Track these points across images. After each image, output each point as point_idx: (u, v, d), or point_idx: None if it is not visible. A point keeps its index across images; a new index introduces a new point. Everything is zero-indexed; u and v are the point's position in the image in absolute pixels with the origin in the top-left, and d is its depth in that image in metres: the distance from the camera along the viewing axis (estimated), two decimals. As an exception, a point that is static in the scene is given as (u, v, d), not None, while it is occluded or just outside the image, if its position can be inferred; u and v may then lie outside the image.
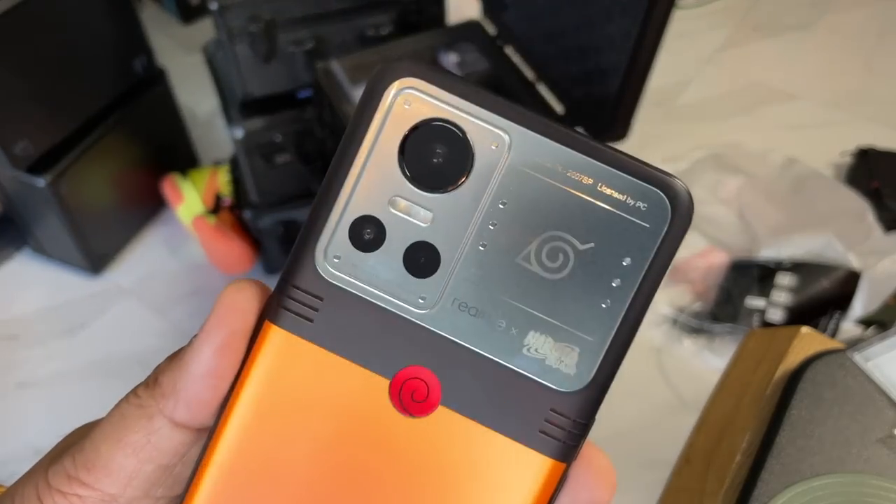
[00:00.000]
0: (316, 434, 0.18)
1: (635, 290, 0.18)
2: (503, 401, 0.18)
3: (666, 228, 0.18)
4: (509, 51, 0.95)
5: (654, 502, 0.47)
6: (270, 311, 0.18)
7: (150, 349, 1.13)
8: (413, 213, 0.18)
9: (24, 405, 1.08)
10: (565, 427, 0.18)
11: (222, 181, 1.19)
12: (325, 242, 0.18)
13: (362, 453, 0.18)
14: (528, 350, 0.18)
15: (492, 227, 0.18)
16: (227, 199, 1.18)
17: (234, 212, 1.17)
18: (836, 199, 1.19)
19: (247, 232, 1.17)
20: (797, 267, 1.09)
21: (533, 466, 0.18)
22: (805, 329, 0.46)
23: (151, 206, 1.27)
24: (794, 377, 0.43)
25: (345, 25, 1.00)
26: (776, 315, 1.07)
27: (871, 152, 1.29)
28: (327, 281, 0.18)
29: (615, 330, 0.18)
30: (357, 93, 0.92)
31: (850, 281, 1.05)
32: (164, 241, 1.27)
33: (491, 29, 0.99)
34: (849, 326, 1.04)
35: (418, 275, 0.18)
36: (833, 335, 1.02)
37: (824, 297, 1.05)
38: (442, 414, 0.18)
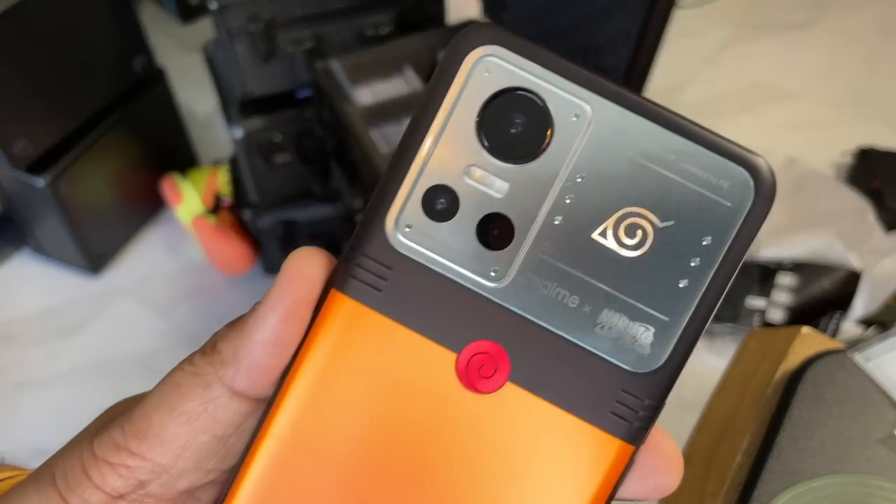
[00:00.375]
0: (378, 406, 0.18)
1: (714, 270, 0.17)
2: (573, 380, 0.18)
3: (748, 208, 0.17)
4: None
5: (655, 502, 0.47)
6: (337, 279, 0.18)
7: (149, 349, 1.13)
8: (488, 183, 0.17)
9: (23, 405, 1.08)
10: (636, 409, 0.18)
11: (222, 181, 1.19)
12: (397, 211, 0.18)
13: (426, 428, 0.18)
14: (602, 328, 0.18)
15: (568, 201, 0.17)
16: (227, 199, 1.18)
17: (234, 212, 1.17)
18: (837, 199, 1.19)
19: (246, 232, 1.16)
20: (798, 267, 1.09)
21: (602, 447, 0.18)
22: (805, 329, 0.46)
23: (151, 205, 1.27)
24: (795, 377, 0.43)
25: (345, 25, 0.99)
26: (777, 315, 1.07)
27: (871, 152, 1.29)
28: (397, 251, 0.18)
29: (692, 311, 0.17)
30: (357, 93, 0.92)
31: (851, 281, 1.05)
32: (163, 241, 1.27)
33: (491, 28, 0.98)
34: (849, 326, 1.04)
35: (491, 247, 0.18)
36: (833, 335, 1.02)
37: (825, 297, 1.05)
38: (509, 391, 0.18)
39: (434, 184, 0.17)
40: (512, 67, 0.17)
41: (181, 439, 0.18)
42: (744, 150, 0.17)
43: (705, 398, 0.48)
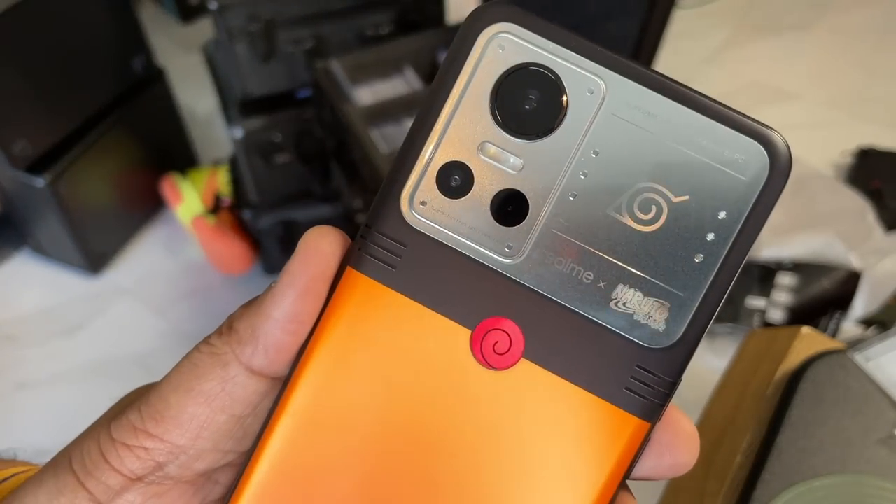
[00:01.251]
0: (394, 383, 0.18)
1: (730, 244, 0.17)
2: (588, 356, 0.18)
3: (764, 182, 0.17)
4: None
5: (655, 502, 0.47)
6: (352, 257, 0.18)
7: (149, 349, 1.13)
8: (503, 159, 0.17)
9: (23, 405, 1.08)
10: (652, 385, 0.18)
11: (222, 181, 1.19)
12: (412, 188, 0.18)
13: (441, 404, 0.18)
14: (617, 304, 0.17)
15: (583, 177, 0.17)
16: (227, 199, 1.18)
17: (234, 212, 1.17)
18: (837, 199, 1.19)
19: (246, 232, 1.16)
20: (798, 267, 1.09)
21: (617, 424, 0.18)
22: (806, 329, 0.46)
23: (151, 205, 1.27)
24: (795, 377, 0.43)
25: (344, 25, 0.99)
26: (777, 315, 1.07)
27: (871, 152, 1.29)
28: (412, 227, 0.18)
29: (708, 285, 0.17)
30: (357, 93, 0.92)
31: (851, 281, 1.05)
32: (163, 241, 1.27)
33: (491, 28, 0.98)
34: (849, 326, 1.04)
35: (505, 223, 0.18)
36: (834, 335, 1.02)
37: (825, 297, 1.05)
38: (524, 367, 0.18)
39: (448, 160, 0.18)
40: (526, 44, 0.17)
41: (199, 420, 0.18)
42: (759, 124, 0.17)
43: (705, 398, 0.48)
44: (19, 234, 1.21)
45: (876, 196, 1.19)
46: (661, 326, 0.17)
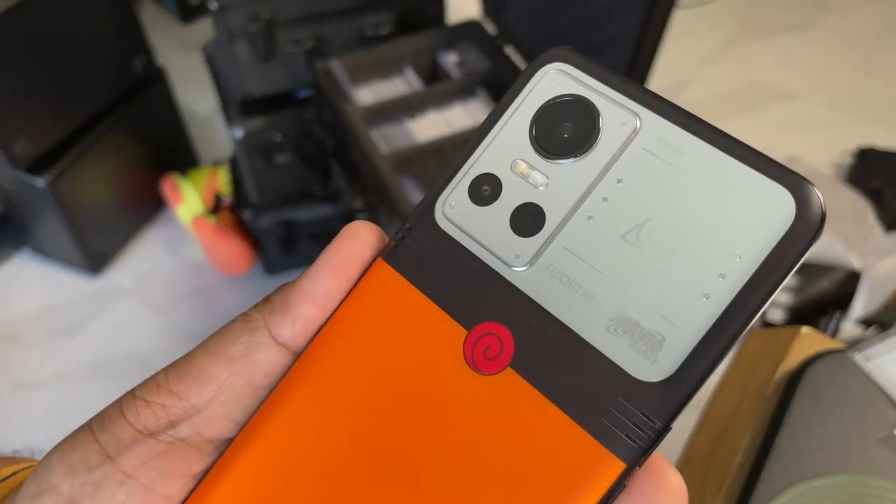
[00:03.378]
0: (385, 369, 0.19)
1: (741, 288, 0.16)
2: (572, 376, 0.17)
3: (787, 230, 0.16)
4: (509, 50, 0.95)
5: None
6: (384, 250, 0.20)
7: (149, 349, 1.13)
8: (531, 176, 0.19)
9: (22, 406, 1.08)
10: (633, 421, 0.16)
11: (222, 181, 1.19)
12: (449, 192, 0.19)
13: (421, 397, 0.18)
14: (612, 329, 0.17)
15: (603, 202, 0.18)
16: (227, 199, 1.18)
17: (234, 212, 1.17)
18: (837, 198, 1.19)
19: (246, 232, 1.16)
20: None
21: (587, 454, 0.16)
22: (805, 329, 0.46)
23: (151, 206, 1.27)
24: (795, 377, 0.43)
25: (345, 25, 0.99)
26: (776, 315, 1.07)
27: (871, 152, 1.29)
28: (437, 226, 0.19)
29: (711, 326, 0.16)
30: (357, 93, 0.92)
31: (851, 281, 1.05)
32: (163, 241, 1.27)
33: (491, 28, 0.98)
34: (849, 326, 1.04)
35: (520, 233, 0.18)
36: (833, 335, 1.02)
37: (825, 297, 1.05)
38: (507, 376, 0.18)
39: (483, 172, 0.19)
40: (572, 79, 0.19)
41: (217, 381, 0.18)
42: (792, 173, 0.17)
43: (705, 398, 0.48)
44: (19, 234, 1.21)
45: (876, 196, 1.19)
46: (652, 359, 0.17)
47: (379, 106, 0.89)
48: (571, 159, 0.18)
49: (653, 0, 0.67)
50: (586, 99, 0.19)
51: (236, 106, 1.05)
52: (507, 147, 0.19)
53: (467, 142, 0.20)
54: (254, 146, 1.04)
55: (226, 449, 0.19)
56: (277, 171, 1.07)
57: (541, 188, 0.19)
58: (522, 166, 0.19)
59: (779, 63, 1.57)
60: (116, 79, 1.14)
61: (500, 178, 0.19)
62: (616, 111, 0.18)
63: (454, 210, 0.19)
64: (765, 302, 0.16)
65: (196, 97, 1.38)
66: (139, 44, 1.15)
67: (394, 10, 1.00)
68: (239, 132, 1.03)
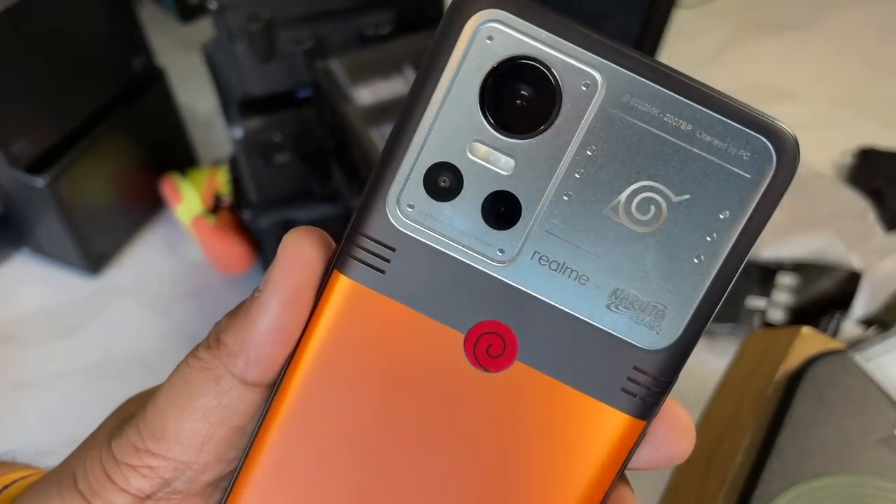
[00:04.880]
0: (386, 388, 0.18)
1: (731, 245, 0.16)
2: (583, 358, 0.17)
3: (769, 179, 0.16)
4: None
5: (655, 502, 0.47)
6: (340, 260, 0.17)
7: (149, 349, 1.13)
8: (493, 160, 0.17)
9: (22, 406, 1.08)
10: (648, 385, 0.17)
11: (221, 181, 1.19)
12: (398, 190, 0.17)
13: (434, 407, 0.18)
14: (613, 306, 0.17)
15: (578, 176, 0.16)
16: (227, 199, 1.18)
17: (234, 212, 1.17)
18: (837, 198, 1.19)
19: (246, 232, 1.16)
20: (798, 267, 1.09)
21: (612, 424, 0.17)
22: (806, 329, 0.46)
23: (150, 205, 1.27)
24: (795, 377, 0.43)
25: (344, 25, 0.99)
26: (777, 315, 1.07)
27: (872, 152, 1.29)
28: (400, 231, 0.17)
29: (707, 287, 0.17)
30: (357, 93, 0.92)
31: (851, 281, 1.05)
32: (163, 241, 1.27)
33: (491, 28, 0.98)
34: (850, 326, 1.03)
35: (497, 226, 0.17)
36: (834, 335, 1.02)
37: (825, 297, 1.05)
38: (518, 369, 0.17)
39: (436, 161, 0.17)
40: (516, 33, 0.16)
41: (200, 435, 0.18)
42: (765, 117, 0.16)
43: (706, 398, 0.48)
44: (19, 234, 1.21)
45: (876, 196, 1.19)
46: (658, 328, 0.17)
47: (379, 106, 0.89)
48: (535, 135, 0.16)
49: (653, 0, 0.67)
50: (539, 61, 0.16)
51: (236, 106, 1.05)
52: (457, 128, 0.16)
53: (400, 123, 0.17)
54: (253, 146, 1.04)
55: (232, 484, 0.19)
56: (277, 171, 1.07)
57: (508, 172, 0.17)
58: (482, 150, 0.16)
59: (779, 63, 1.57)
60: (116, 79, 1.14)
61: (457, 165, 0.17)
62: (574, 69, 0.16)
63: (414, 211, 0.17)
64: (752, 249, 0.17)
65: (196, 97, 1.38)
66: (139, 43, 1.15)
67: (394, 10, 1.00)
68: (238, 132, 1.03)
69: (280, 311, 0.17)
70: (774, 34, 1.64)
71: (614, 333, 0.17)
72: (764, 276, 1.10)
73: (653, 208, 0.17)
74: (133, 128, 1.19)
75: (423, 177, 0.17)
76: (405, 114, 0.17)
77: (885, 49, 1.59)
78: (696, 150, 0.16)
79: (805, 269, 1.08)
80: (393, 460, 0.18)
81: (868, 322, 1.03)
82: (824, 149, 1.33)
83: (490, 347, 0.17)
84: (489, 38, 0.16)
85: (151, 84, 1.20)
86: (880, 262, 1.06)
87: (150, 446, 0.18)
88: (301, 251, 0.17)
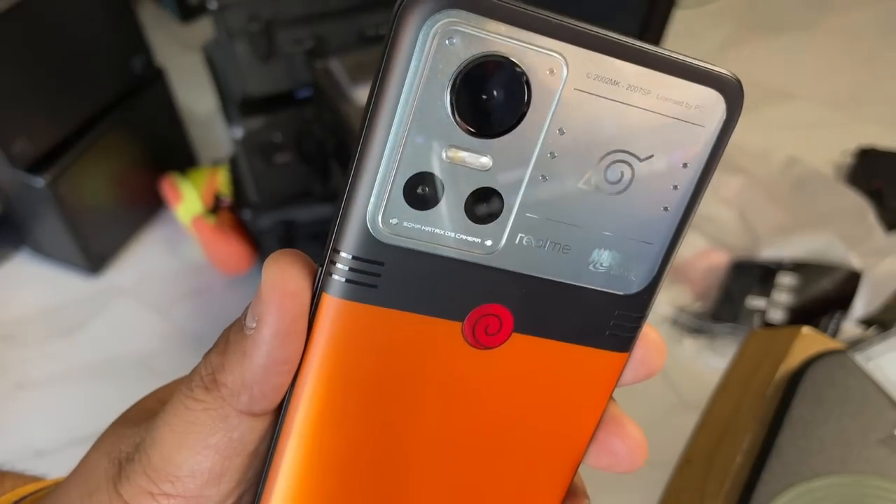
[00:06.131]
0: (396, 389, 0.18)
1: (693, 190, 0.18)
2: (573, 315, 0.19)
3: (721, 124, 0.18)
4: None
5: (655, 502, 0.47)
6: (327, 283, 0.17)
7: (149, 349, 1.13)
8: (470, 161, 0.17)
9: (22, 406, 1.08)
10: (629, 323, 0.19)
11: (221, 181, 1.19)
12: (380, 206, 0.17)
13: (445, 398, 0.19)
14: (594, 266, 0.18)
15: (551, 157, 0.17)
16: (227, 198, 1.18)
17: (234, 212, 1.17)
18: (837, 198, 1.19)
19: (246, 232, 1.16)
20: (798, 267, 1.09)
21: (604, 364, 0.19)
22: (806, 329, 0.46)
23: (150, 205, 1.27)
24: (795, 377, 0.43)
25: (344, 25, 0.99)
26: (777, 315, 1.07)
27: (871, 152, 1.29)
28: (386, 245, 0.17)
29: (674, 232, 0.18)
30: (357, 93, 0.92)
31: (851, 281, 1.05)
32: (163, 241, 1.27)
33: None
34: (849, 326, 1.04)
35: (482, 220, 0.17)
36: (834, 335, 1.02)
37: (825, 297, 1.05)
38: (516, 340, 0.19)
39: (413, 172, 0.16)
40: (476, 31, 0.15)
41: (216, 470, 0.18)
42: (710, 68, 0.17)
43: (706, 398, 0.48)
44: (19, 234, 1.21)
45: (876, 196, 1.19)
46: (635, 275, 0.19)
47: (379, 106, 0.89)
48: (509, 129, 0.16)
49: (653, 0, 0.67)
50: (504, 57, 0.16)
51: (236, 106, 1.05)
52: (429, 135, 0.16)
53: (367, 138, 0.16)
54: (253, 146, 1.04)
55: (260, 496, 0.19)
56: (277, 171, 1.07)
57: (486, 170, 0.17)
58: (458, 154, 0.16)
59: (779, 63, 1.57)
60: (116, 78, 1.14)
61: (435, 173, 0.16)
62: (539, 57, 0.16)
63: (398, 225, 0.17)
64: (707, 185, 0.18)
65: (196, 97, 1.38)
66: (138, 43, 1.15)
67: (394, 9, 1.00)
68: (238, 132, 1.03)
69: (277, 347, 0.17)
70: (774, 34, 1.64)
71: (596, 288, 0.19)
72: (764, 275, 1.10)
73: (622, 173, 0.18)
74: (133, 128, 1.19)
75: (402, 190, 0.17)
76: (371, 128, 0.16)
77: (884, 49, 1.59)
78: (656, 112, 0.17)
79: (805, 269, 1.08)
80: (414, 458, 0.19)
81: (868, 322, 1.03)
82: (824, 149, 1.33)
83: (488, 328, 0.18)
84: (449, 41, 0.15)
85: (151, 84, 1.20)
86: (880, 262, 1.06)
87: (166, 489, 0.18)
88: (286, 285, 0.17)
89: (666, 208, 0.18)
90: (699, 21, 1.64)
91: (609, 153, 0.17)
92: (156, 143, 1.25)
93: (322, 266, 0.18)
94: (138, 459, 0.18)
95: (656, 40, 0.70)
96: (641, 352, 0.20)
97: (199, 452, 0.18)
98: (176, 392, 0.18)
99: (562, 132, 0.17)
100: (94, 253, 1.19)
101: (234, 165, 1.15)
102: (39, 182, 1.05)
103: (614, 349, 0.19)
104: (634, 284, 0.19)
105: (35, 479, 0.26)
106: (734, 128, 0.18)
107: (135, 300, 1.20)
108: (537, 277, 0.18)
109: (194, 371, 0.19)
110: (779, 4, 1.71)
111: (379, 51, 0.16)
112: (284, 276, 0.17)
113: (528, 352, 0.19)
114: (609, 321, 0.19)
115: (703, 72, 0.17)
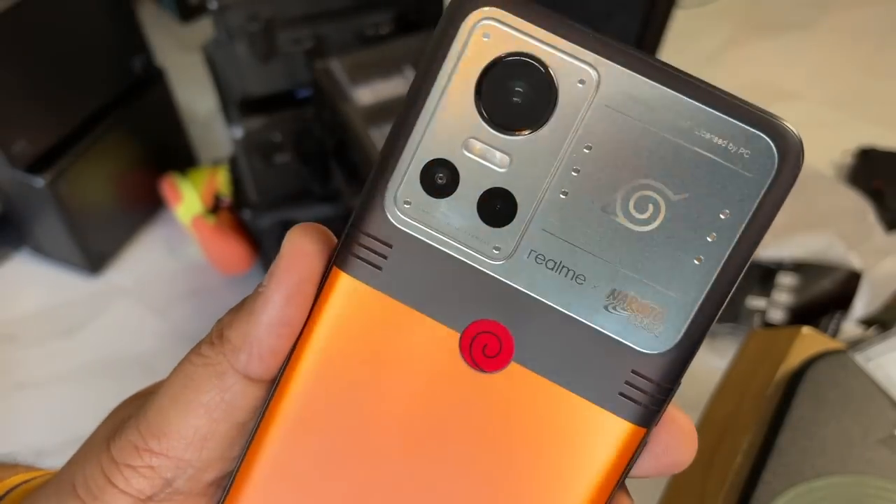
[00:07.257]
0: (382, 385, 0.18)
1: (733, 246, 0.16)
2: (580, 360, 0.17)
3: (771, 178, 0.16)
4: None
5: (655, 502, 0.47)
6: (339, 257, 0.18)
7: (148, 349, 1.13)
8: (489, 156, 0.16)
9: (22, 406, 1.08)
10: (647, 391, 0.17)
11: (221, 181, 1.19)
12: (396, 187, 0.17)
13: (429, 406, 0.18)
14: (611, 308, 0.17)
15: (574, 174, 0.16)
16: (227, 198, 1.18)
17: (234, 212, 1.17)
18: (838, 198, 1.19)
19: (246, 232, 1.16)
20: (798, 267, 1.09)
21: (610, 430, 0.17)
22: (806, 329, 0.46)
23: (150, 205, 1.27)
24: (796, 377, 0.43)
25: (344, 25, 0.99)
26: (777, 315, 1.07)
27: (872, 152, 1.29)
28: (397, 227, 0.17)
29: (708, 289, 0.16)
30: (357, 93, 0.92)
31: (852, 281, 1.05)
32: (163, 241, 1.27)
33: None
34: (850, 326, 1.03)
35: (493, 223, 0.17)
36: (834, 335, 1.02)
37: (825, 297, 1.05)
38: (514, 371, 0.17)
39: (432, 158, 0.17)
40: (512, 31, 0.16)
41: (202, 431, 0.18)
42: (767, 114, 0.16)
43: (706, 398, 0.48)
44: (19, 234, 1.21)
45: (876, 196, 1.19)
46: (657, 331, 0.17)
47: (379, 106, 0.89)
48: (531, 131, 0.16)
49: (653, 0, 0.67)
50: (535, 57, 0.16)
51: (236, 106, 1.05)
52: (453, 124, 0.16)
53: (398, 122, 0.17)
54: (253, 146, 1.04)
55: (231, 482, 0.19)
56: (277, 171, 1.07)
57: (503, 169, 0.17)
58: (478, 147, 0.16)
59: (779, 63, 1.57)
60: (116, 78, 1.14)
61: (453, 162, 0.17)
62: (570, 66, 0.16)
63: (411, 208, 0.17)
64: (755, 250, 0.16)
65: (196, 97, 1.38)
66: (138, 43, 1.15)
67: (394, 10, 1.00)
68: (238, 132, 1.03)
69: (283, 305, 0.17)
70: (774, 34, 1.64)
71: (612, 335, 0.17)
72: (764, 276, 1.10)
73: (651, 207, 0.16)
74: (133, 128, 1.19)
75: (419, 173, 0.17)
76: (404, 111, 0.17)
77: (885, 49, 1.59)
78: (694, 148, 0.16)
79: (805, 269, 1.08)
80: (389, 458, 0.18)
81: (868, 322, 1.03)
82: (824, 149, 1.33)
83: (486, 347, 0.17)
84: (486, 36, 0.16)
85: (151, 84, 1.20)
86: (880, 262, 1.06)
87: (152, 445, 0.18)
88: (303, 246, 0.18)
89: (700, 259, 0.16)
90: (699, 21, 1.64)
91: (638, 182, 0.16)
92: (156, 143, 1.25)
93: (340, 240, 0.18)
94: (135, 416, 0.19)
95: (656, 40, 0.70)
96: (666, 436, 0.18)
97: (190, 410, 0.18)
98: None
99: (588, 148, 0.16)
100: (93, 253, 1.19)
101: (233, 165, 1.15)
102: (39, 182, 1.05)
103: (627, 417, 0.17)
104: (657, 343, 0.17)
105: (28, 468, 0.26)
106: (790, 187, 0.16)
107: (135, 300, 1.19)
108: (546, 304, 0.17)
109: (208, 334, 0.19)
110: (779, 4, 1.71)
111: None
112: (302, 239, 0.18)
113: (525, 389, 0.17)
114: (621, 379, 0.17)
115: (755, 115, 0.16)
